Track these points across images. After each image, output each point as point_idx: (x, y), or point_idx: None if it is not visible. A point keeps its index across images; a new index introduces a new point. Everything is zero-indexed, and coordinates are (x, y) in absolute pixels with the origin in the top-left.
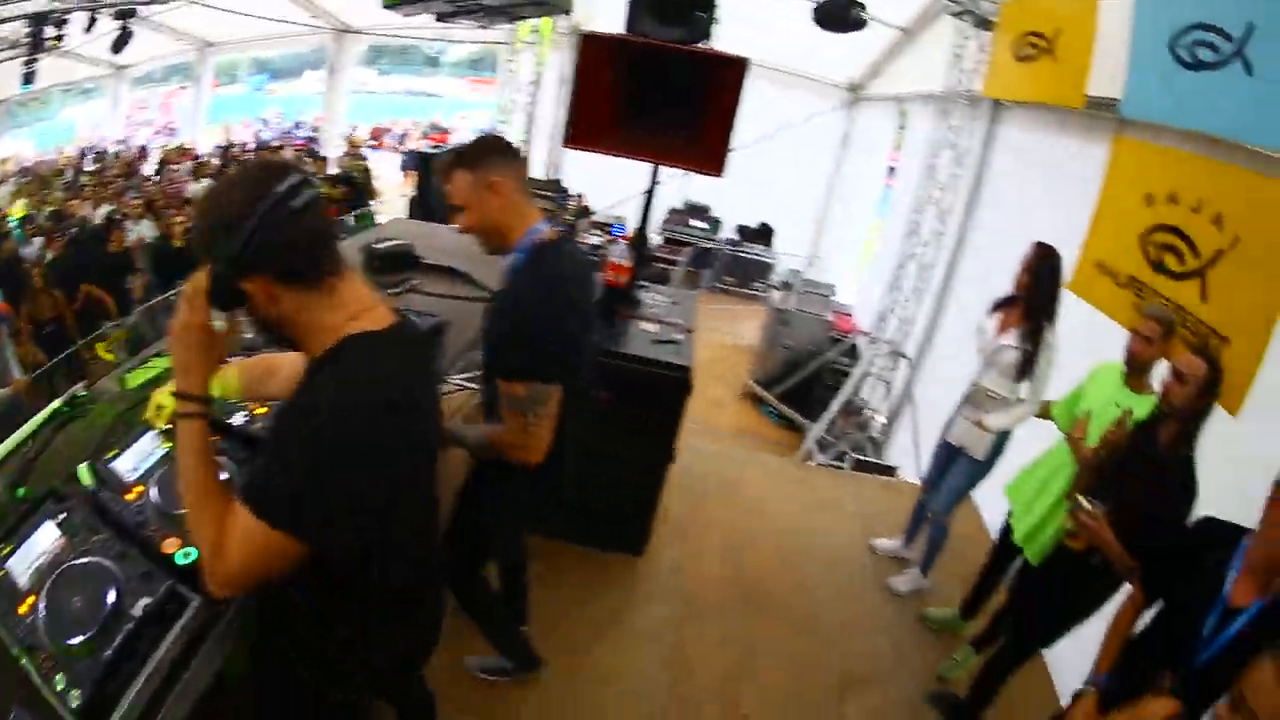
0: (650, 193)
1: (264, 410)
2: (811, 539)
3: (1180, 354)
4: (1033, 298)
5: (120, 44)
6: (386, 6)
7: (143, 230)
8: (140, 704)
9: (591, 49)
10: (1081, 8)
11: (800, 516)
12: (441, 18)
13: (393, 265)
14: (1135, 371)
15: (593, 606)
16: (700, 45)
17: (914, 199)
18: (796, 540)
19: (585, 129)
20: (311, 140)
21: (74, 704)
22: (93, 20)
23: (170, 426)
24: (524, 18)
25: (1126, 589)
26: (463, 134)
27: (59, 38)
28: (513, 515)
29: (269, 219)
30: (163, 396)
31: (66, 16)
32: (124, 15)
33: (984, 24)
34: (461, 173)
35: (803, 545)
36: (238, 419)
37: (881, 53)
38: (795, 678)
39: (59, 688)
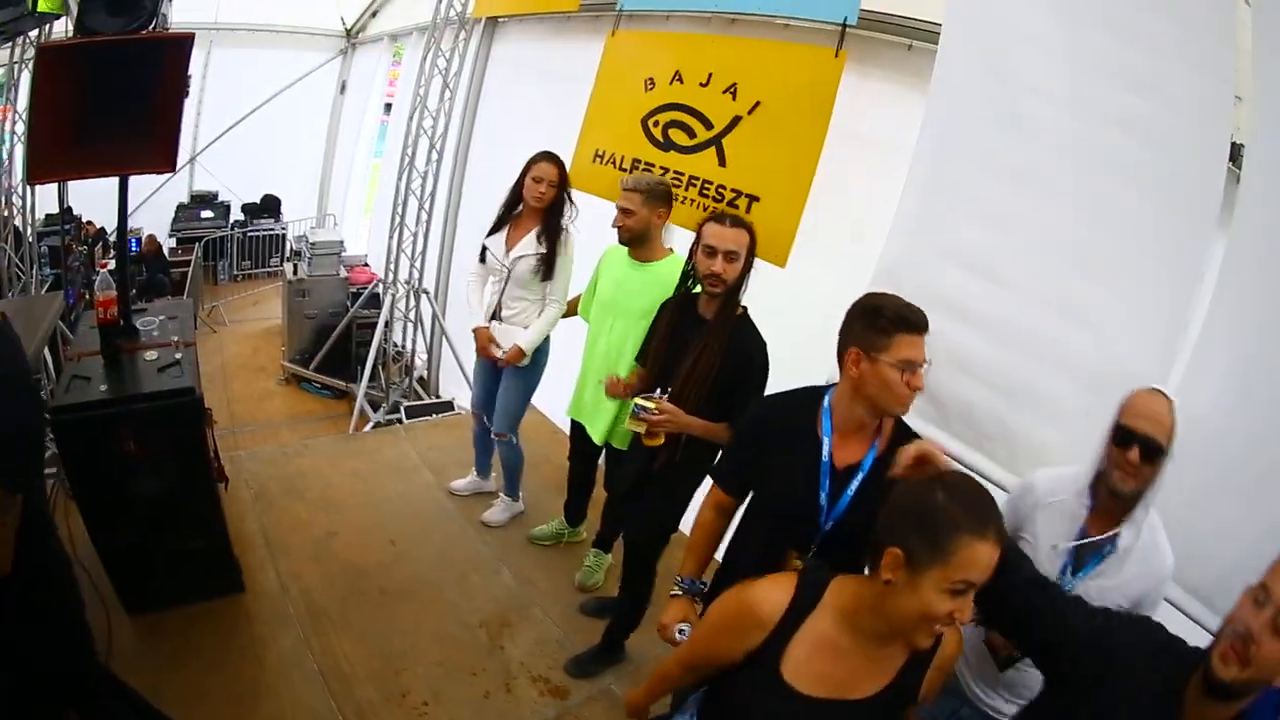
0: (122, 206)
1: None
2: (392, 505)
3: (709, 228)
4: (557, 207)
5: None
6: None
7: None
8: None
9: (47, 63)
10: None
11: (372, 487)
12: None
13: None
14: (633, 245)
15: (225, 663)
16: (150, 30)
17: (405, 133)
18: (377, 512)
19: (47, 156)
20: None
21: None
22: None
23: None
24: (23, 32)
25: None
26: None
27: None
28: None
29: None
30: None
31: None
32: None
33: None
34: None
35: (386, 515)
36: None
37: None
38: (444, 647)
39: None
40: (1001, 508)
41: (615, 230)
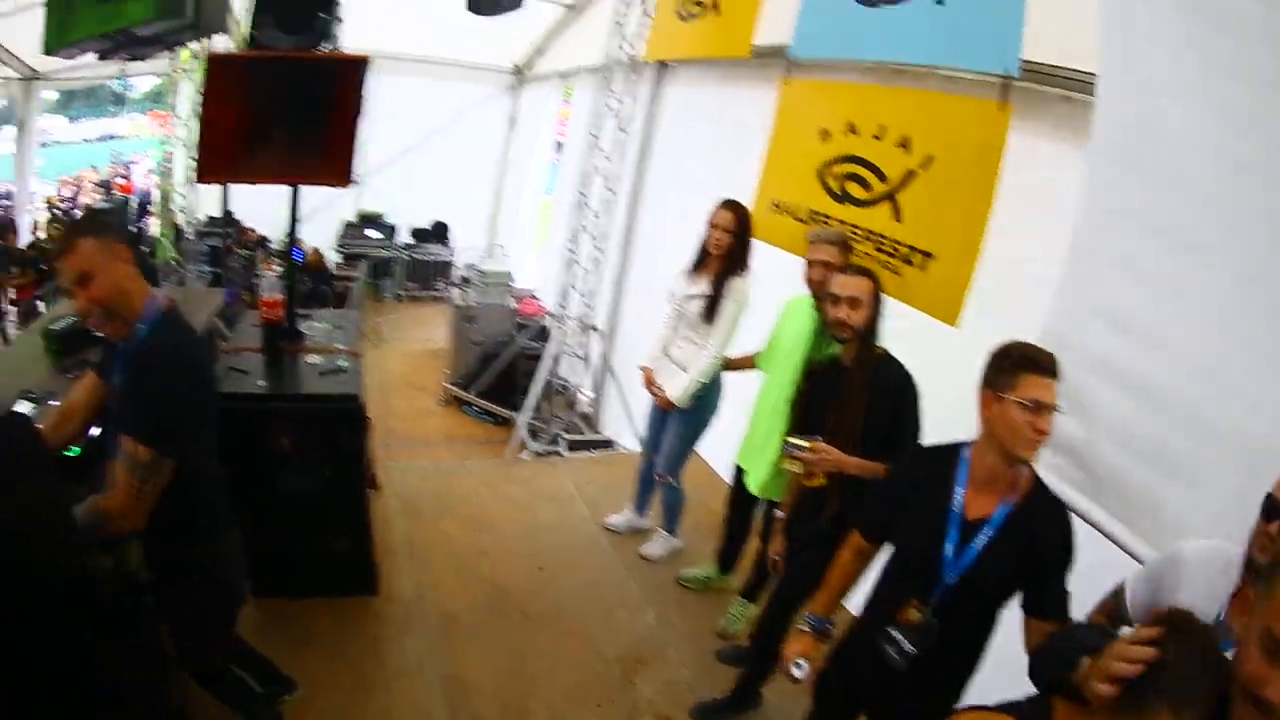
0: (293, 215)
1: None
2: (544, 534)
3: (835, 278)
4: (735, 254)
5: None
6: (46, 51)
7: None
8: None
9: (217, 71)
10: None
11: (526, 514)
12: (103, 56)
13: (71, 344)
14: (823, 298)
15: (344, 656)
16: (323, 49)
17: (579, 172)
18: (529, 538)
19: (217, 159)
20: (7, 206)
21: None
22: None
23: None
24: (181, 44)
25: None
26: (139, 178)
27: None
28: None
29: None
30: None
31: None
32: None
33: None
34: (88, 240)
35: (536, 542)
36: None
37: (546, 31)
38: (575, 675)
39: None
40: (1144, 576)
41: (809, 284)
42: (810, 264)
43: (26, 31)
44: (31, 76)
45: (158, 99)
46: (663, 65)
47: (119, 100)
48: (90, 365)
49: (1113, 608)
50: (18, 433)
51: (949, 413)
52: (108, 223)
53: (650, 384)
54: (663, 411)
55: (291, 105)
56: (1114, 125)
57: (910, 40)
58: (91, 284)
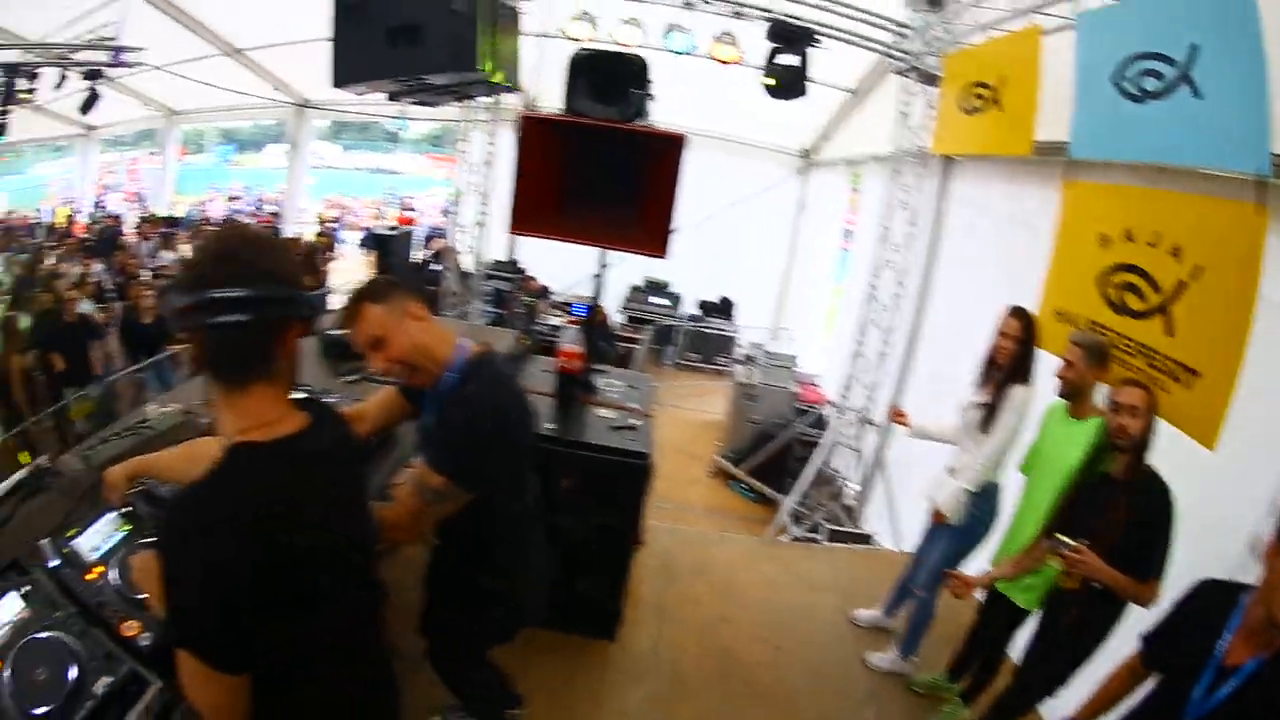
0: (599, 277)
1: None
2: (789, 615)
3: (1116, 387)
4: (1019, 363)
5: (88, 105)
6: (336, 85)
7: (86, 308)
8: None
9: (530, 130)
10: (1024, 53)
11: (776, 593)
12: (393, 96)
13: (347, 352)
14: (1068, 398)
15: (568, 691)
16: (638, 123)
17: (870, 262)
18: (774, 617)
19: (529, 213)
20: (275, 215)
21: None
22: (63, 78)
23: (129, 508)
24: (473, 96)
25: (1124, 641)
26: (424, 214)
27: (30, 91)
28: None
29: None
30: None
31: (37, 71)
32: (92, 76)
33: (929, 79)
34: (371, 306)
35: (781, 621)
36: None
37: (831, 116)
38: None
39: None
40: None
41: (1056, 384)
42: (1062, 361)
43: (301, 62)
44: (303, 104)
45: (435, 142)
46: (949, 158)
47: (393, 138)
48: (394, 384)
49: None
50: (335, 420)
51: (1207, 543)
52: (391, 284)
53: (897, 416)
54: (936, 525)
55: (606, 172)
56: None
57: (1171, 138)
58: (385, 347)
